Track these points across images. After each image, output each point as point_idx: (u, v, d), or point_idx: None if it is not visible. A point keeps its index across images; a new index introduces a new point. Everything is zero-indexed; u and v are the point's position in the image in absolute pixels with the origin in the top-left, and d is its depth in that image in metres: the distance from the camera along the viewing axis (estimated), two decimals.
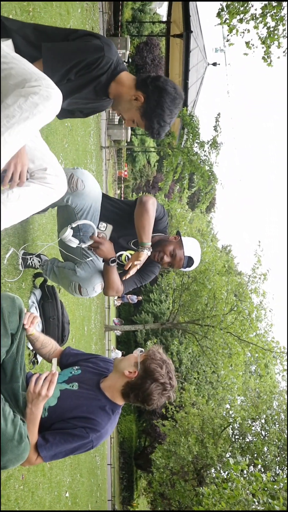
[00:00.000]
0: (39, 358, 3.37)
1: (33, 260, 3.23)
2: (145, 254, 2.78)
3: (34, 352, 3.28)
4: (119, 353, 21.66)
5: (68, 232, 2.67)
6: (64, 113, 2.68)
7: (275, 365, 12.93)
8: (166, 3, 21.44)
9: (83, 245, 2.78)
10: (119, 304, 27.76)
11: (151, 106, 2.28)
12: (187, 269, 3.11)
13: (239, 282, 13.35)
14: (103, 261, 2.86)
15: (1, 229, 2.10)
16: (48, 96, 1.76)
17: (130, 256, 3.00)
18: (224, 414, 12.20)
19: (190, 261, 3.05)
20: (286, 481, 4.99)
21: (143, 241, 2.78)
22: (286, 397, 11.82)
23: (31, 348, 3.19)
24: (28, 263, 3.19)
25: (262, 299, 13.23)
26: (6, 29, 2.07)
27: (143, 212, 2.79)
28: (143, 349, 2.24)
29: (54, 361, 2.02)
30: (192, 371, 19.05)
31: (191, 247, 3.07)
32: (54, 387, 1.95)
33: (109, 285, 2.95)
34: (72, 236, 2.74)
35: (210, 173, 11.92)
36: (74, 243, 2.72)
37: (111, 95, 2.37)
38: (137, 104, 2.32)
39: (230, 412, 12.22)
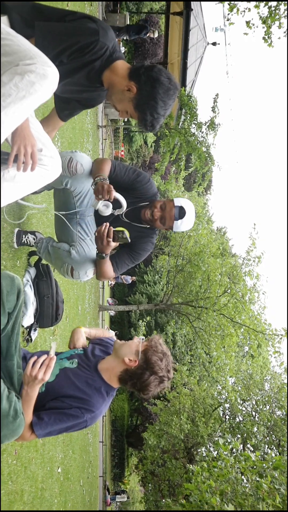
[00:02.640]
0: (33, 336, 3.39)
1: (28, 237, 3.23)
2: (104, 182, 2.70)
3: (28, 330, 3.30)
4: (112, 333, 21.79)
5: (100, 203, 2.66)
6: (60, 103, 2.64)
7: (267, 347, 13.06)
8: None
9: (116, 213, 2.77)
10: (113, 284, 27.85)
11: (143, 97, 2.21)
12: (181, 225, 3.01)
13: (233, 265, 13.39)
14: (97, 254, 2.81)
15: None
16: (45, 75, 1.73)
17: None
18: (215, 395, 12.36)
19: (181, 211, 2.97)
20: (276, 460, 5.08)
21: (95, 176, 2.73)
22: (278, 380, 11.99)
23: (25, 326, 3.22)
24: (23, 241, 3.19)
25: (256, 282, 13.30)
26: (3, 6, 2.02)
27: (92, 165, 2.83)
28: (143, 337, 2.26)
29: (53, 345, 2.04)
30: (186, 353, 19.23)
31: (181, 201, 3.03)
32: (51, 371, 1.97)
33: (101, 273, 2.94)
34: (69, 219, 2.75)
35: (207, 155, 11.85)
36: (109, 210, 2.70)
37: (105, 84, 2.29)
38: (130, 95, 2.24)
39: (222, 392, 12.39)
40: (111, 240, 2.64)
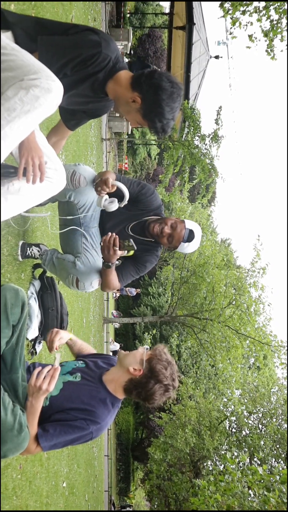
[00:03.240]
0: (38, 349, 3.39)
1: (32, 250, 3.23)
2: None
3: (32, 343, 3.29)
4: (117, 346, 21.74)
5: (104, 199, 2.69)
6: (66, 115, 2.66)
7: (273, 358, 12.97)
8: None
9: (121, 204, 2.79)
10: (118, 296, 27.81)
11: (149, 106, 2.21)
12: (187, 247, 3.04)
13: (238, 276, 13.35)
14: (103, 263, 2.83)
15: (1, 221, 2.10)
16: (49, 89, 1.74)
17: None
18: (221, 407, 12.27)
19: (191, 234, 3.00)
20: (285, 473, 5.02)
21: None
22: (285, 392, 11.88)
23: (29, 338, 3.21)
24: (27, 253, 3.19)
25: (261, 293, 13.25)
26: (6, 21, 2.04)
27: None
28: (148, 347, 2.24)
29: (58, 355, 2.03)
30: (191, 365, 19.12)
31: (192, 224, 3.05)
32: (55, 382, 1.96)
33: (107, 284, 2.95)
34: (74, 230, 2.76)
35: (210, 167, 11.89)
36: (114, 205, 2.73)
37: (110, 95, 2.31)
38: (136, 106, 2.24)
39: (228, 405, 12.29)
40: (117, 248, 2.64)
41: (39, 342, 3.36)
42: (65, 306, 3.42)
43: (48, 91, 1.74)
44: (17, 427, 1.81)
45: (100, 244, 2.81)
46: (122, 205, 2.81)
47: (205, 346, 13.28)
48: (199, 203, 14.08)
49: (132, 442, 27.03)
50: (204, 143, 12.04)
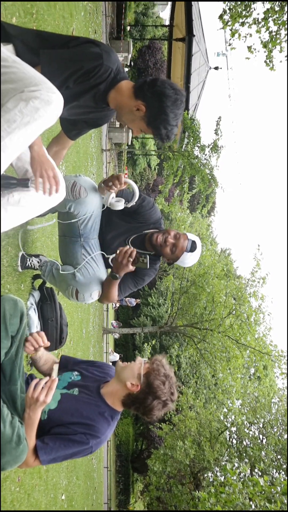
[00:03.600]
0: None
1: (32, 261, 3.23)
2: None
3: None
4: (116, 356, 21.66)
5: (111, 197, 2.73)
6: (67, 125, 2.68)
7: (273, 368, 12.94)
8: (169, 7, 21.49)
9: (129, 204, 2.83)
10: (117, 307, 27.76)
11: (154, 113, 2.24)
12: (187, 259, 3.04)
13: (238, 286, 13.35)
14: (111, 273, 2.83)
15: (1, 232, 2.11)
16: (49, 101, 1.75)
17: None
18: (221, 418, 12.19)
19: (193, 245, 3.01)
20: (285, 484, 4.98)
21: None
22: (285, 402, 11.82)
23: None
24: (27, 264, 3.19)
25: (261, 303, 13.25)
26: (8, 34, 2.06)
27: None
28: (146, 359, 2.21)
29: (55, 367, 2.02)
30: (191, 375, 19.05)
31: (194, 237, 3.07)
32: (53, 393, 1.94)
33: (107, 295, 2.96)
34: (74, 241, 2.76)
35: (210, 177, 11.94)
36: (121, 204, 2.77)
37: (112, 105, 2.34)
38: (140, 114, 2.27)
39: (229, 415, 12.22)
40: (131, 260, 2.66)
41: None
42: (64, 317, 3.41)
43: (48, 103, 1.75)
44: (16, 439, 1.80)
45: (116, 253, 2.82)
46: (129, 206, 2.85)
47: (205, 356, 13.25)
48: (199, 213, 14.12)
49: (132, 454, 26.82)
50: (203, 153, 12.10)
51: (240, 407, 12.79)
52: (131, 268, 2.70)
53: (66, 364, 2.38)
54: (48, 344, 2.20)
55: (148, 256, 2.72)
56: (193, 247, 3.01)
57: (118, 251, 2.73)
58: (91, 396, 2.15)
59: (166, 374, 2.12)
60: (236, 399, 12.94)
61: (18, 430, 1.82)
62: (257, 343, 12.29)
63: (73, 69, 2.07)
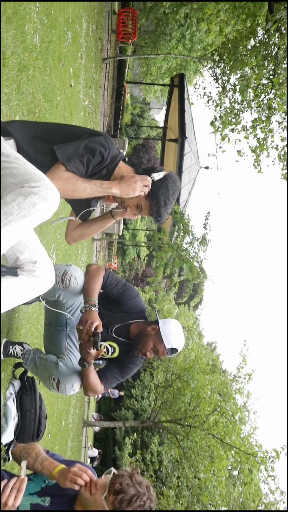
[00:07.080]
0: (11, 455, 3.19)
1: (15, 349, 3.18)
2: (93, 311, 2.68)
3: (6, 447, 3.11)
4: (95, 452, 20.59)
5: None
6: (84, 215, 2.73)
7: (259, 472, 12.26)
8: (163, 111, 23.05)
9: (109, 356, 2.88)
10: (99, 398, 26.85)
11: (155, 187, 2.35)
12: (173, 355, 3.04)
13: (223, 381, 13.05)
14: (79, 361, 2.77)
15: None
16: (47, 197, 1.83)
17: (110, 347, 2.97)
18: None
19: (173, 350, 2.98)
20: None
21: (86, 299, 2.74)
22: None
23: (4, 443, 3.05)
24: (9, 352, 3.14)
25: (246, 400, 12.89)
26: (6, 131, 2.16)
27: (86, 275, 2.86)
28: (111, 475, 1.94)
29: (23, 464, 1.86)
30: (172, 475, 18.01)
31: (171, 336, 2.98)
32: (22, 496, 1.79)
33: (88, 386, 2.87)
34: (59, 331, 2.75)
35: (199, 269, 12.11)
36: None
37: (113, 179, 2.41)
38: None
39: None
40: (91, 347, 2.59)
41: (14, 447, 3.18)
42: (44, 408, 3.30)
43: (45, 199, 1.83)
44: None
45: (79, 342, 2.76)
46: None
47: (188, 455, 12.62)
48: (184, 304, 14.16)
49: None
50: (192, 247, 12.37)
51: None
52: (94, 353, 2.63)
53: None
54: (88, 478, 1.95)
55: (108, 346, 2.69)
56: (173, 351, 2.99)
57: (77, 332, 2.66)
58: (63, 508, 1.96)
59: (134, 494, 1.84)
60: (221, 506, 12.14)
61: None
62: (242, 443, 11.77)
63: (93, 162, 2.18)
